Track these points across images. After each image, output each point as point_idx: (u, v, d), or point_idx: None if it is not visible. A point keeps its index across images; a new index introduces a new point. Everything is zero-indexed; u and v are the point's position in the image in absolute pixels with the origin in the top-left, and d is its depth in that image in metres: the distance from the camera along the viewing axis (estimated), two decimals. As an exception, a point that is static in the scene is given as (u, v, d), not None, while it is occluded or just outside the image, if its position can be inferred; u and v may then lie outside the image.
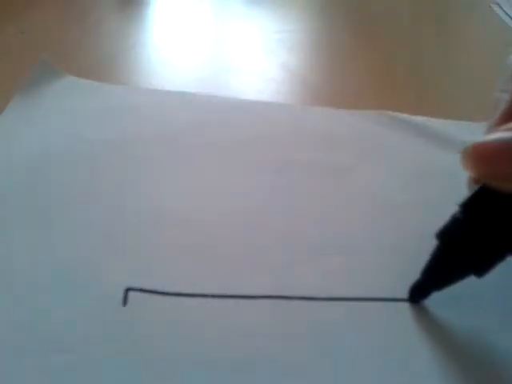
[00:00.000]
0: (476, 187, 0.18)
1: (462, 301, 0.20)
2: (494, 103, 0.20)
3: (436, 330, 0.19)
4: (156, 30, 0.42)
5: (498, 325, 0.19)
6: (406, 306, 0.20)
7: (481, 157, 0.17)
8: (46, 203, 0.23)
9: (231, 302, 0.20)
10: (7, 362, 0.17)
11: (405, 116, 0.31)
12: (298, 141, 0.28)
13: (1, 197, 0.23)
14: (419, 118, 0.31)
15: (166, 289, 0.20)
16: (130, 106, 0.30)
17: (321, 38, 0.43)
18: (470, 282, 0.18)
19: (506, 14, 0.47)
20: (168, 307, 0.19)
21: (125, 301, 0.19)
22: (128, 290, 0.20)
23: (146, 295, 0.20)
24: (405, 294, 0.20)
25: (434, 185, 0.26)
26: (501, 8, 0.48)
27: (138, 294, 0.20)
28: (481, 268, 0.18)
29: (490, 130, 0.19)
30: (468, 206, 0.18)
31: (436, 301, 0.20)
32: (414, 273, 0.20)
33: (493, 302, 0.20)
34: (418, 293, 0.20)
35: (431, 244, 0.22)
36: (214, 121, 0.29)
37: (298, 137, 0.28)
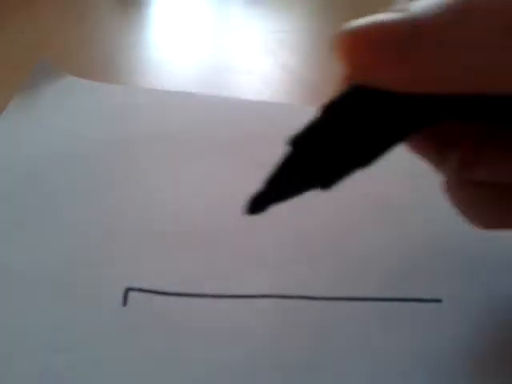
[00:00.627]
0: (344, 87, 0.15)
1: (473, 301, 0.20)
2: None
3: (438, 330, 0.19)
4: (156, 29, 0.42)
5: None
6: (406, 305, 0.20)
7: (359, 40, 0.14)
8: (45, 203, 0.23)
9: (231, 301, 0.20)
10: (7, 361, 0.17)
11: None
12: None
13: (1, 197, 0.23)
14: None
15: (166, 289, 0.20)
16: (130, 105, 0.30)
17: (320, 38, 0.43)
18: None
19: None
20: (168, 307, 0.19)
21: (125, 301, 0.19)
22: (128, 289, 0.20)
23: (146, 295, 0.20)
24: (405, 293, 0.20)
25: (434, 185, 0.26)
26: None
27: (138, 293, 0.20)
28: (328, 179, 0.16)
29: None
30: (330, 109, 0.16)
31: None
32: (414, 273, 0.20)
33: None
34: (259, 203, 0.17)
35: (431, 244, 0.22)
36: (213, 121, 0.29)
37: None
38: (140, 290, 0.20)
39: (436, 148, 0.18)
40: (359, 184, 0.26)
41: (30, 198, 0.23)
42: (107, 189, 0.24)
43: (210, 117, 0.29)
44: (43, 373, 0.17)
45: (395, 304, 0.20)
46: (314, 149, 0.16)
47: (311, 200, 0.25)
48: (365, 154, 0.16)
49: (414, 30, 0.13)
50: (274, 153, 0.27)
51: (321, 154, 0.16)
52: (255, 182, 0.25)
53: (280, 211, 0.24)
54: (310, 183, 0.16)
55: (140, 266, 0.21)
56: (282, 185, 0.17)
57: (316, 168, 0.16)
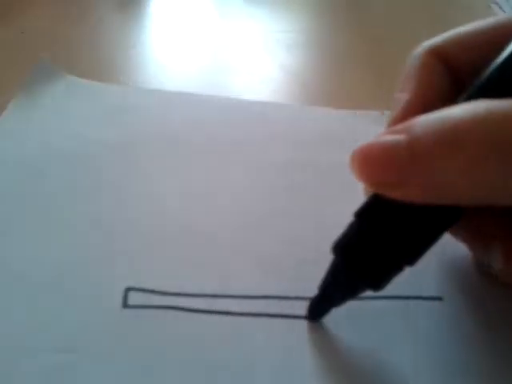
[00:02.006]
0: (369, 194, 0.17)
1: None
2: (393, 105, 0.19)
3: (438, 328, 0.19)
4: (156, 29, 0.42)
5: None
6: (407, 303, 0.20)
7: (365, 162, 0.16)
8: (45, 203, 0.23)
9: (231, 301, 0.20)
10: (7, 361, 0.17)
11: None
12: (297, 141, 0.28)
13: (1, 197, 0.23)
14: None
15: (166, 289, 0.20)
16: (130, 106, 0.30)
17: (320, 38, 0.43)
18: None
19: (506, 13, 0.47)
20: (168, 307, 0.19)
21: (125, 301, 0.19)
22: (128, 289, 0.20)
23: (146, 295, 0.20)
24: (405, 293, 0.20)
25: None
26: (500, 8, 0.48)
27: (138, 293, 0.20)
28: (378, 281, 0.17)
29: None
30: (362, 215, 0.17)
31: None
32: (414, 273, 0.20)
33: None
34: (317, 310, 0.19)
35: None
36: (213, 121, 0.29)
37: (298, 137, 0.28)
38: (140, 289, 0.20)
39: (477, 239, 0.19)
40: (359, 184, 0.26)
41: (30, 197, 0.23)
42: (107, 189, 0.24)
43: (210, 117, 0.29)
44: (43, 373, 0.17)
45: (396, 302, 0.20)
46: (356, 254, 0.17)
47: (310, 200, 0.25)
48: (406, 252, 0.17)
49: (412, 157, 0.15)
50: (274, 152, 0.27)
51: (364, 257, 0.17)
52: (255, 181, 0.25)
53: (279, 211, 0.24)
54: (360, 286, 0.17)
55: (140, 266, 0.21)
56: (335, 291, 0.18)
57: (363, 271, 0.17)
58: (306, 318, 0.19)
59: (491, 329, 0.19)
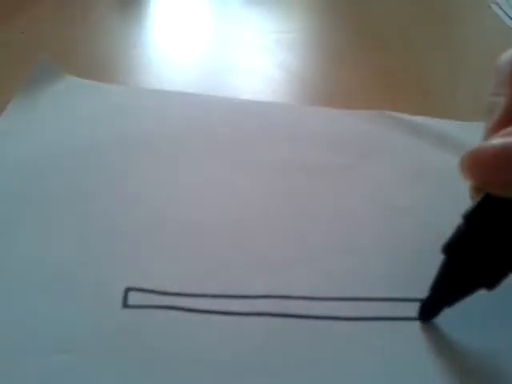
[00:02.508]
0: (478, 197, 0.17)
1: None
2: (488, 107, 0.20)
3: (438, 329, 0.19)
4: (156, 29, 0.42)
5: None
6: (406, 305, 0.20)
7: (478, 164, 0.16)
8: (46, 203, 0.23)
9: (231, 301, 0.20)
10: (7, 362, 0.17)
11: (405, 116, 0.31)
12: (297, 141, 0.28)
13: (1, 197, 0.23)
14: (419, 118, 0.31)
15: (166, 289, 0.20)
16: (130, 105, 0.30)
17: (320, 37, 0.43)
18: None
19: (506, 14, 0.47)
20: (168, 307, 0.19)
21: (125, 301, 0.19)
22: (128, 289, 0.20)
23: (146, 295, 0.20)
24: (405, 293, 0.20)
25: (434, 185, 0.26)
26: (500, 8, 0.48)
27: (138, 293, 0.20)
28: (491, 280, 0.17)
29: (487, 135, 0.18)
30: (472, 217, 0.17)
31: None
32: (414, 272, 0.20)
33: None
34: (428, 311, 0.19)
35: (431, 244, 0.22)
36: (213, 121, 0.29)
37: (298, 137, 0.28)
38: (140, 289, 0.20)
39: None
40: (359, 186, 0.26)
41: (30, 197, 0.23)
42: (107, 189, 0.24)
43: (210, 117, 0.29)
44: (43, 373, 0.17)
45: (396, 304, 0.20)
46: (466, 254, 0.17)
47: (310, 200, 0.25)
48: None
49: None
50: (274, 152, 0.27)
51: (474, 257, 0.17)
52: (255, 181, 0.25)
53: (279, 211, 0.24)
54: (474, 285, 0.18)
55: (140, 266, 0.21)
56: (446, 290, 0.18)
57: (475, 271, 0.17)
58: (417, 319, 0.19)
59: (491, 329, 0.19)
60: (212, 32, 0.42)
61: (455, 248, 0.18)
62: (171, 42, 0.40)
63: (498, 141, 0.16)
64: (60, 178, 0.25)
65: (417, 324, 0.19)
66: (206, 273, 0.21)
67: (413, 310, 0.19)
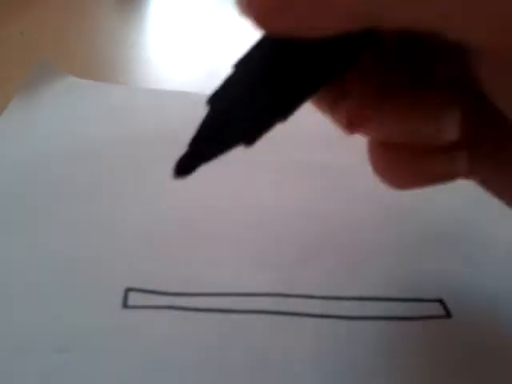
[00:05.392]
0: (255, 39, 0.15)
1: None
2: None
3: (439, 329, 0.19)
4: (156, 29, 0.42)
5: None
6: (405, 305, 0.20)
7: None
8: (45, 203, 0.23)
9: (231, 299, 0.20)
10: (7, 362, 0.17)
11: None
12: (297, 141, 0.28)
13: (1, 197, 0.23)
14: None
15: (166, 289, 0.20)
16: (130, 105, 0.30)
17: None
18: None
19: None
20: (168, 307, 0.19)
21: (125, 301, 0.19)
22: (128, 289, 0.20)
23: (146, 295, 0.20)
24: (405, 293, 0.20)
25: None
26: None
27: (138, 293, 0.20)
28: (250, 135, 0.16)
29: None
30: (243, 62, 0.15)
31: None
32: (414, 272, 0.20)
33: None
34: (186, 165, 0.17)
35: (432, 244, 0.22)
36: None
37: (298, 137, 0.28)
38: (140, 290, 0.20)
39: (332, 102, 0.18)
40: (359, 184, 0.26)
41: (30, 197, 0.23)
42: (107, 189, 0.24)
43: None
44: (43, 373, 0.17)
45: (395, 304, 0.20)
46: (231, 105, 0.16)
47: (310, 200, 0.25)
48: (280, 105, 0.15)
49: None
50: (274, 152, 0.27)
51: (238, 109, 0.15)
52: (255, 181, 0.25)
53: (279, 211, 0.24)
54: (233, 140, 0.16)
55: (140, 266, 0.21)
56: (206, 144, 0.17)
57: (236, 124, 0.16)
58: (174, 173, 0.17)
59: (491, 328, 0.19)
60: (212, 31, 0.42)
61: (220, 98, 0.16)
62: (171, 41, 0.40)
63: None
64: (60, 177, 0.25)
65: (417, 324, 0.19)
66: (205, 273, 0.21)
67: (413, 310, 0.19)
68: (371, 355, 0.18)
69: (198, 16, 0.45)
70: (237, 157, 0.27)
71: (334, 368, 0.18)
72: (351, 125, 0.17)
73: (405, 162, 0.18)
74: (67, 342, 0.18)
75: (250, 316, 0.19)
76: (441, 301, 0.20)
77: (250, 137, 0.16)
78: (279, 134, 0.30)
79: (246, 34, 0.42)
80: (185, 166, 0.17)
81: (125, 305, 0.19)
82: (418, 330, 0.19)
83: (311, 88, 0.15)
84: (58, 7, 0.43)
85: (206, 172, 0.27)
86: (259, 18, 0.13)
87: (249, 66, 0.15)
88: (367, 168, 0.17)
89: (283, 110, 0.15)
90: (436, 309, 0.20)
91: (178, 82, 0.34)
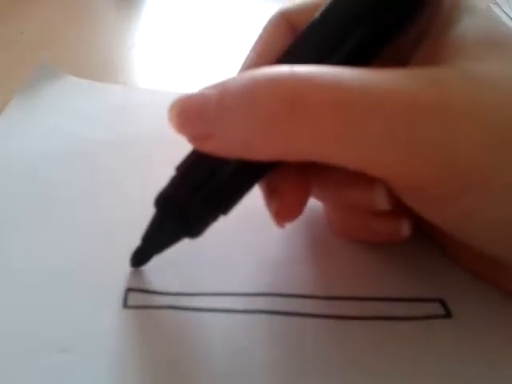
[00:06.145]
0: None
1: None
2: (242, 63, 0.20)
3: (439, 329, 0.19)
4: (156, 29, 0.42)
5: None
6: (405, 305, 0.20)
7: (181, 114, 0.16)
8: (45, 203, 0.23)
9: (231, 299, 0.20)
10: (7, 361, 0.17)
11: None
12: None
13: (0, 197, 0.23)
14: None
15: (166, 289, 0.20)
16: (130, 105, 0.30)
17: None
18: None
19: (506, 14, 0.47)
20: (168, 307, 0.19)
21: (125, 301, 0.19)
22: (128, 290, 0.20)
23: (146, 295, 0.20)
24: (405, 293, 0.20)
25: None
26: (500, 8, 0.48)
27: (138, 293, 0.20)
28: (194, 230, 0.18)
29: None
30: (180, 169, 0.18)
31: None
32: (414, 272, 0.20)
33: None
34: (140, 258, 0.20)
35: (431, 243, 0.22)
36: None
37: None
38: (140, 290, 0.20)
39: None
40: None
41: (30, 197, 0.23)
42: (107, 189, 0.24)
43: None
44: (43, 373, 0.17)
45: (395, 304, 0.20)
46: (175, 206, 0.18)
47: (311, 200, 0.25)
48: (219, 204, 0.18)
49: (220, 111, 0.16)
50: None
51: (181, 209, 0.18)
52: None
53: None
54: (179, 235, 0.19)
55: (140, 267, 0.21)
56: (156, 240, 0.19)
57: (181, 222, 0.18)
58: (130, 265, 0.20)
59: (491, 328, 0.19)
60: (213, 32, 0.42)
61: (164, 200, 0.18)
62: (170, 41, 0.40)
63: (199, 93, 0.16)
64: (60, 177, 0.25)
65: (417, 324, 0.19)
66: (205, 273, 0.21)
67: (413, 310, 0.19)
68: (371, 355, 0.18)
69: (197, 16, 0.45)
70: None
71: (334, 368, 0.18)
72: (277, 218, 0.20)
73: (353, 219, 0.21)
74: (67, 342, 0.18)
75: (250, 316, 0.19)
76: (441, 301, 0.20)
77: (194, 232, 0.19)
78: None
79: (245, 35, 0.42)
80: (139, 259, 0.20)
81: (125, 305, 0.19)
82: (418, 330, 0.19)
83: (239, 188, 0.18)
84: (58, 7, 0.43)
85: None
86: (190, 139, 0.17)
87: (187, 170, 0.18)
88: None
89: (221, 208, 0.18)
90: (436, 309, 0.20)
91: (178, 82, 0.34)
